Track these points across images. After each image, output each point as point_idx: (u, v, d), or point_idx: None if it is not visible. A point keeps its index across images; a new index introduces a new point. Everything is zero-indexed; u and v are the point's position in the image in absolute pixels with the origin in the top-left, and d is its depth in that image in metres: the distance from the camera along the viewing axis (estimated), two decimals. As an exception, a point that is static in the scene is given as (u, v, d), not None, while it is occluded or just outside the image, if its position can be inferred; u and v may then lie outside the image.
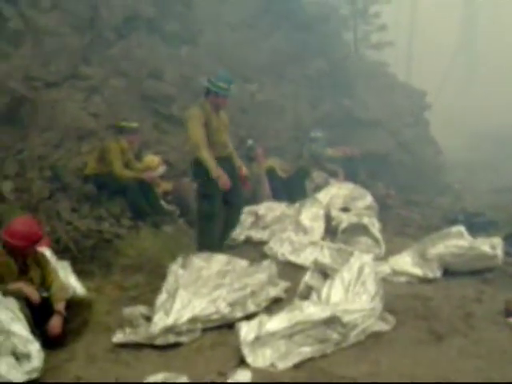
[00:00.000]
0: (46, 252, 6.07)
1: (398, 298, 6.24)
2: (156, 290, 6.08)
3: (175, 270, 6.16)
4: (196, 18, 12.42)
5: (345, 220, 8.94)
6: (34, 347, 4.73)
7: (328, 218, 9.26)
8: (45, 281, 5.63)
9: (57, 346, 5.24)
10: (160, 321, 5.35)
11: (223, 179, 7.28)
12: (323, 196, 9.78)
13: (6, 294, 5.07)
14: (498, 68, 33.75)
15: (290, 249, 8.07)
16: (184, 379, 4.41)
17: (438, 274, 7.16)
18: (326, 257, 7.32)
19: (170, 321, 5.34)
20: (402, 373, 4.61)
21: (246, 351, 4.80)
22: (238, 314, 5.73)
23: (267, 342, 4.85)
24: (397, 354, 5.00)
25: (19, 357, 4.63)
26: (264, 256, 7.87)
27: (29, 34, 9.59)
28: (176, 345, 5.29)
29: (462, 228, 7.61)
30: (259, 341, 4.84)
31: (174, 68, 11.50)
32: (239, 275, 6.24)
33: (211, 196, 7.45)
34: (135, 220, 8.53)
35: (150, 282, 6.90)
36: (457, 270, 7.23)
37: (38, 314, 5.21)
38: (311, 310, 5.13)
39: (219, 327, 5.59)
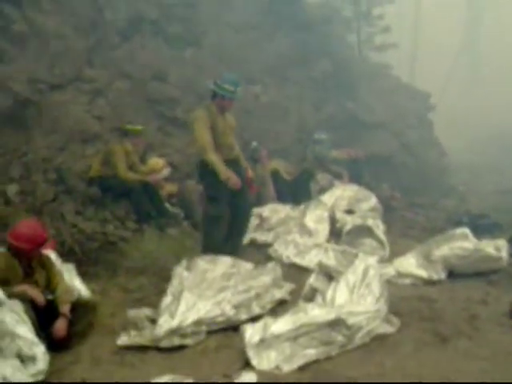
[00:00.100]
0: (51, 254, 6.09)
1: (402, 300, 6.23)
2: (161, 293, 6.09)
3: (180, 272, 6.16)
4: (199, 20, 12.43)
5: (349, 222, 8.93)
6: (40, 350, 4.74)
7: (332, 220, 9.25)
8: (50, 283, 5.65)
9: (62, 349, 5.25)
10: (165, 323, 5.35)
11: (233, 180, 7.25)
12: (328, 198, 9.76)
13: (11, 296, 5.07)
14: (501, 68, 33.69)
15: (295, 251, 8.07)
16: (189, 381, 4.41)
17: (443, 275, 7.17)
18: (330, 259, 7.32)
19: (174, 323, 5.34)
20: (407, 375, 4.60)
21: (251, 353, 4.80)
22: (243, 316, 5.74)
23: (272, 344, 4.85)
24: (402, 355, 4.99)
25: (24, 359, 4.64)
26: (269, 258, 7.88)
27: (33, 37, 9.60)
28: (181, 347, 5.29)
29: (466, 230, 7.61)
30: (264, 343, 4.84)
31: (178, 70, 11.50)
32: (244, 277, 6.24)
33: (217, 198, 7.44)
34: (140, 222, 8.54)
35: (154, 284, 6.91)
36: (461, 272, 7.23)
37: (42, 317, 5.22)
38: (316, 313, 5.13)
39: (224, 329, 5.59)
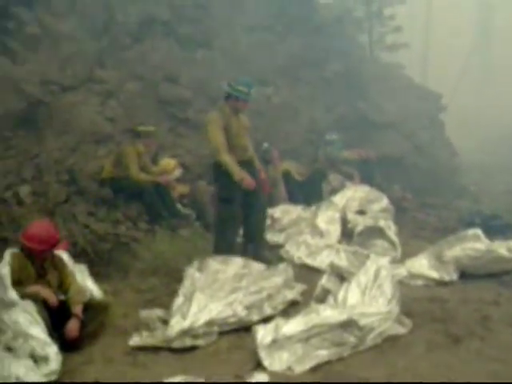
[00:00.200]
0: (64, 255, 6.10)
1: (414, 300, 6.23)
2: (172, 293, 6.10)
3: (192, 273, 6.16)
4: (211, 21, 12.43)
5: (361, 223, 8.93)
6: (52, 350, 4.76)
7: (344, 221, 9.25)
8: (62, 284, 5.67)
9: (74, 349, 5.26)
10: (177, 324, 5.36)
11: (247, 180, 7.27)
12: (339, 199, 9.76)
13: (24, 297, 5.11)
14: (512, 68, 33.69)
15: (307, 252, 8.08)
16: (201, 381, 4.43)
17: (455, 276, 7.15)
18: (342, 260, 7.32)
19: (186, 324, 5.34)
20: (418, 376, 4.59)
21: (263, 354, 4.80)
22: (255, 317, 5.74)
23: (284, 345, 4.85)
24: (414, 357, 4.99)
25: (37, 359, 4.67)
26: (280, 259, 7.87)
27: (45, 39, 9.65)
28: (193, 348, 5.29)
29: (478, 231, 7.58)
30: (276, 344, 4.85)
31: (190, 71, 11.52)
32: (256, 278, 6.24)
33: (231, 200, 7.45)
34: (151, 223, 8.55)
35: (166, 285, 6.92)
36: (473, 273, 7.22)
37: (55, 317, 5.24)
38: (328, 314, 5.13)
39: (236, 330, 5.60)
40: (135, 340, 5.37)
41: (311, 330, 4.94)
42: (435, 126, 16.35)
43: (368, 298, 5.50)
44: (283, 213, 9.50)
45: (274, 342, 4.85)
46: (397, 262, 7.77)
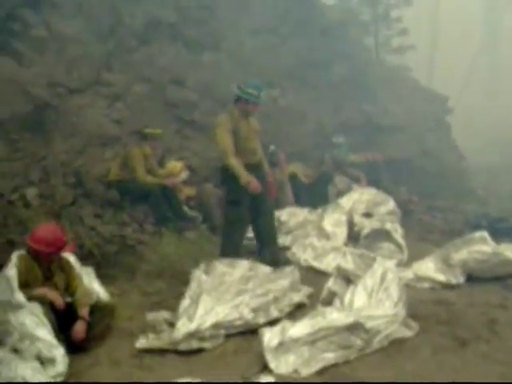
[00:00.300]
0: (70, 258, 6.12)
1: (421, 303, 6.22)
2: (179, 296, 6.10)
3: (198, 275, 6.16)
4: (217, 23, 12.44)
5: (367, 225, 8.92)
6: (59, 352, 4.78)
7: (350, 224, 9.26)
8: (69, 286, 5.69)
9: (80, 351, 5.27)
10: (183, 326, 5.37)
11: (253, 184, 7.25)
12: (346, 201, 9.76)
13: (30, 299, 5.13)
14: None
15: (313, 254, 8.08)
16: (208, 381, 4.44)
17: (462, 279, 7.14)
18: (348, 262, 7.28)
19: (193, 326, 5.35)
20: (425, 379, 4.59)
21: (270, 357, 4.80)
22: (261, 319, 5.74)
23: (290, 347, 4.85)
24: (420, 360, 4.98)
25: (44, 361, 4.68)
26: (287, 261, 7.86)
27: (52, 41, 9.66)
28: (199, 350, 5.29)
29: (485, 233, 7.56)
30: (282, 347, 4.85)
31: (196, 74, 11.52)
32: (262, 281, 6.24)
33: (238, 203, 7.46)
34: (158, 226, 8.56)
35: (172, 287, 6.92)
36: (480, 276, 7.20)
37: (62, 319, 5.25)
38: (334, 316, 5.13)
39: (242, 333, 5.60)
40: (142, 342, 5.38)
41: (318, 332, 4.94)
42: (442, 129, 16.32)
43: (374, 300, 5.50)
44: (290, 215, 9.52)
45: (281, 344, 4.85)
46: (403, 264, 7.77)
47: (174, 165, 9.66)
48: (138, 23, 11.08)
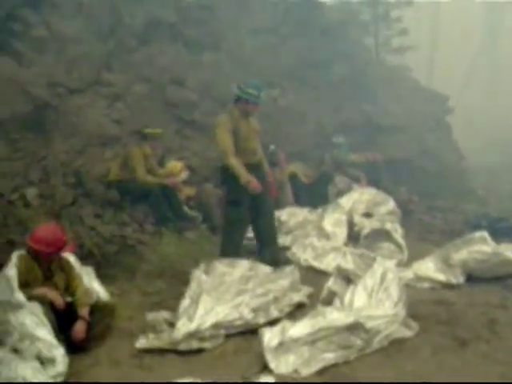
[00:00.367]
0: (70, 258, 6.12)
1: (421, 303, 6.22)
2: (179, 296, 6.10)
3: (198, 275, 6.16)
4: (217, 23, 12.44)
5: (367, 225, 8.92)
6: (59, 352, 4.77)
7: (350, 224, 9.25)
8: (69, 286, 5.69)
9: (80, 351, 5.27)
10: (183, 326, 5.37)
11: (253, 183, 7.24)
12: (346, 201, 9.76)
13: (30, 298, 5.12)
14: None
15: (313, 254, 8.08)
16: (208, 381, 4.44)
17: (461, 279, 7.14)
18: (348, 262, 7.27)
19: (193, 326, 5.35)
20: (425, 378, 4.59)
21: (270, 357, 4.80)
22: (261, 319, 5.74)
23: (290, 347, 4.85)
24: (420, 360, 4.98)
25: (44, 361, 4.68)
26: (287, 261, 7.86)
27: (52, 41, 9.66)
28: (199, 350, 5.29)
29: (485, 233, 7.56)
30: (282, 347, 4.85)
31: (196, 74, 11.52)
32: (262, 281, 6.24)
33: (238, 203, 7.46)
34: (158, 226, 8.57)
35: (172, 287, 6.92)
36: (480, 276, 7.20)
37: (62, 319, 5.25)
38: (334, 316, 5.13)
39: (242, 333, 5.60)
40: (142, 342, 5.38)
41: (318, 332, 4.94)
42: (442, 129, 16.30)
43: (374, 300, 5.50)
44: (290, 215, 9.52)
45: (281, 344, 4.85)
46: (403, 264, 7.77)
47: (174, 165, 9.66)
48: (138, 23, 11.08)
